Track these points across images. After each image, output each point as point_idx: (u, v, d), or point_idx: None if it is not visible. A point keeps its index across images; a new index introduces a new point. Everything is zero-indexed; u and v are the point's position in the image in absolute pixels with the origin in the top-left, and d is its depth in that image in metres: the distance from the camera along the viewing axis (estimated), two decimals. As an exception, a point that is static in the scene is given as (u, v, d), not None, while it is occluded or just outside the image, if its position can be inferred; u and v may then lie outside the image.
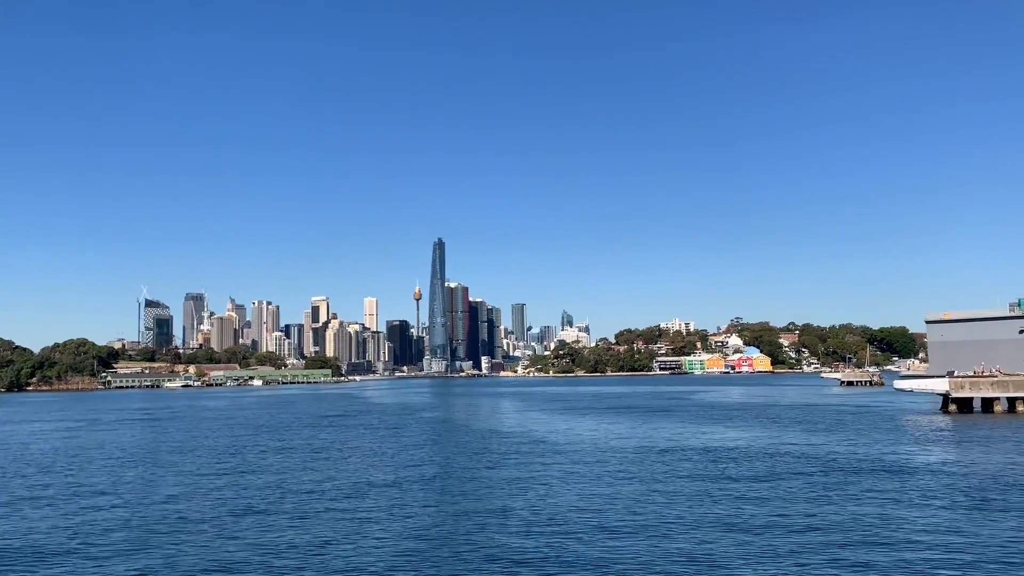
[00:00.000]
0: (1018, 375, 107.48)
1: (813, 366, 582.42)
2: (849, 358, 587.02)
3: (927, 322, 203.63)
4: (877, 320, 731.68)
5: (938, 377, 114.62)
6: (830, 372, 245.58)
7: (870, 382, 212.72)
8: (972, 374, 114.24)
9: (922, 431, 79.97)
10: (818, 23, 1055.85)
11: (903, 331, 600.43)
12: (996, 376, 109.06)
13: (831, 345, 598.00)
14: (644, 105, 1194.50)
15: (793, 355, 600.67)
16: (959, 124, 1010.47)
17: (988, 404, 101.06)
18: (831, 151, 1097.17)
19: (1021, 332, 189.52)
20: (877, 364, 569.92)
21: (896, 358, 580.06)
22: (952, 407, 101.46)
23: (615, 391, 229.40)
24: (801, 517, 36.90)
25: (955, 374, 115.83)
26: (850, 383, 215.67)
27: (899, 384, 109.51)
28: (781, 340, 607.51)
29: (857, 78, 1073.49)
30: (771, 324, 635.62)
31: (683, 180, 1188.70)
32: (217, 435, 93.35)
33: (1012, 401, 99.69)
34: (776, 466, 55.05)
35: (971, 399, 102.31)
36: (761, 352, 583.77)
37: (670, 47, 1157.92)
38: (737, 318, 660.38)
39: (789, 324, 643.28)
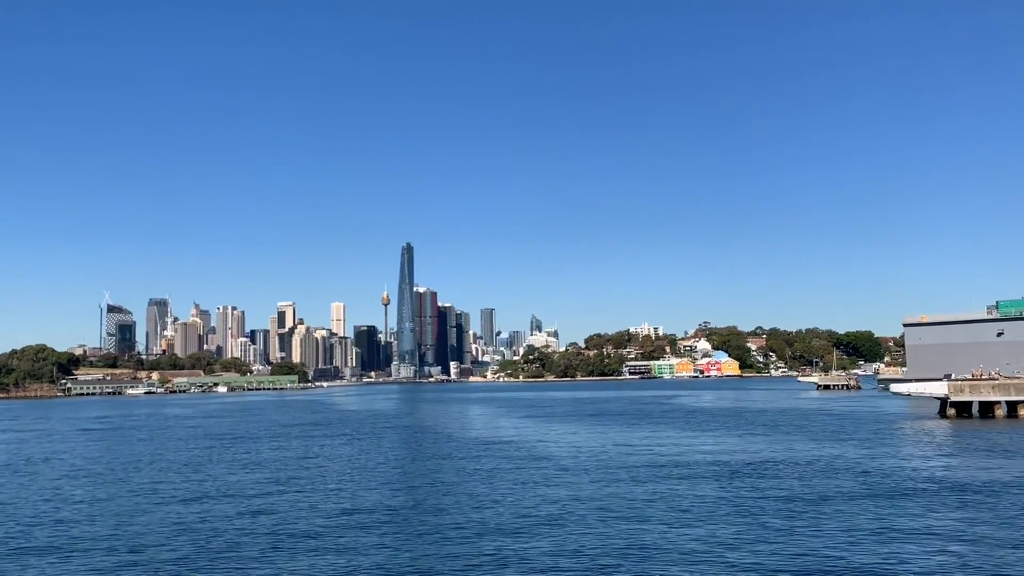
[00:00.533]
0: (1019, 377, 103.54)
1: (780, 370, 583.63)
2: (816, 362, 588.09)
3: (904, 325, 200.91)
4: (842, 325, 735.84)
5: (934, 380, 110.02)
6: (807, 376, 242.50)
7: (847, 386, 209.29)
8: (970, 377, 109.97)
9: (939, 439, 74.73)
10: (788, 35, 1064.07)
11: (868, 335, 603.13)
12: (996, 379, 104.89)
13: (798, 349, 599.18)
14: (613, 111, 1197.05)
15: (761, 359, 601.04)
16: (927, 133, 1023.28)
17: (988, 408, 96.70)
18: (797, 160, 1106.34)
19: (1000, 335, 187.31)
20: (844, 368, 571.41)
21: (862, 362, 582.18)
22: (951, 411, 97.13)
23: (592, 396, 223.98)
24: (896, 562, 29.19)
25: (952, 377, 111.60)
26: (827, 387, 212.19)
27: (896, 388, 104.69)
28: (749, 344, 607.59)
29: (828, 90, 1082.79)
30: (739, 328, 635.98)
31: (649, 186, 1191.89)
32: (178, 447, 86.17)
33: (1013, 405, 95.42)
34: (810, 481, 49.00)
35: (970, 403, 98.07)
36: (729, 356, 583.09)
37: (644, 52, 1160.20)
38: (705, 323, 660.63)
39: (756, 328, 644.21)
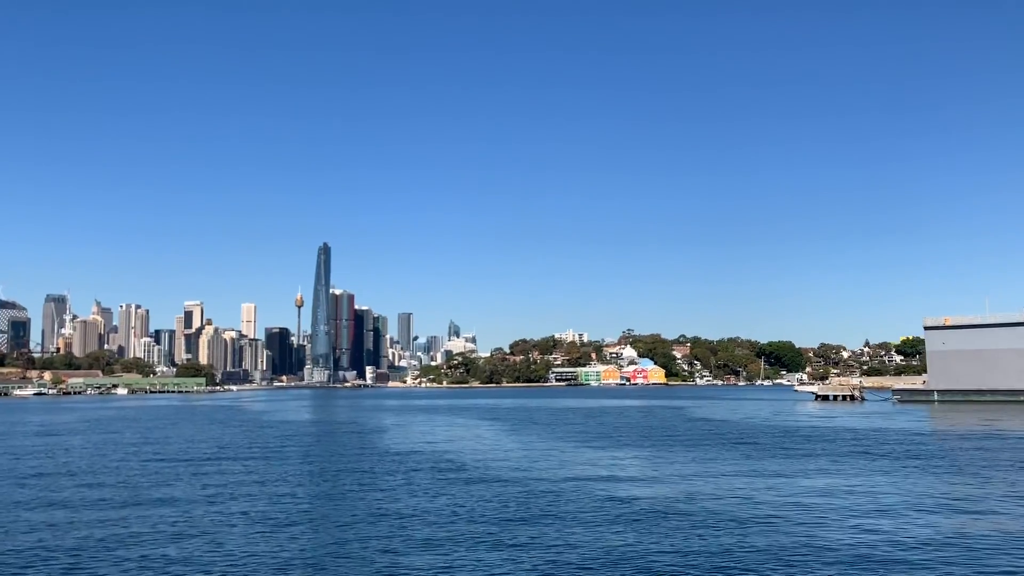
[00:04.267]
0: None
1: (706, 379, 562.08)
2: (739, 371, 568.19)
3: (925, 328, 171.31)
4: (762, 335, 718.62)
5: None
6: (804, 385, 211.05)
7: (851, 397, 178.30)
8: None
9: None
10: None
11: (790, 345, 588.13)
12: None
13: (722, 358, 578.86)
14: (535, 116, 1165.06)
15: (686, 367, 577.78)
16: (847, 150, 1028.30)
17: None
18: (716, 169, 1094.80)
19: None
20: (768, 378, 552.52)
21: (784, 372, 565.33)
22: None
23: (541, 405, 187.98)
24: None
25: None
26: (825, 398, 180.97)
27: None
28: (674, 352, 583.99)
29: (769, 98, 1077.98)
30: (662, 336, 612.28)
31: (566, 192, 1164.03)
32: (34, 488, 45.53)
33: None
34: None
35: None
36: (655, 364, 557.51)
37: (575, 51, 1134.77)
38: (629, 330, 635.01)
39: (680, 336, 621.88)
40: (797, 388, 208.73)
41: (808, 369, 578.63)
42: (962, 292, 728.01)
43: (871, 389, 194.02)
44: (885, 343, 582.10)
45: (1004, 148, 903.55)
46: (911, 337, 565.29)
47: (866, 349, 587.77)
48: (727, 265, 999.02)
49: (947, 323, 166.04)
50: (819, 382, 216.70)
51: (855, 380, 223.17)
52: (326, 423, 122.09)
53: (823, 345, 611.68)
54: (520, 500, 40.91)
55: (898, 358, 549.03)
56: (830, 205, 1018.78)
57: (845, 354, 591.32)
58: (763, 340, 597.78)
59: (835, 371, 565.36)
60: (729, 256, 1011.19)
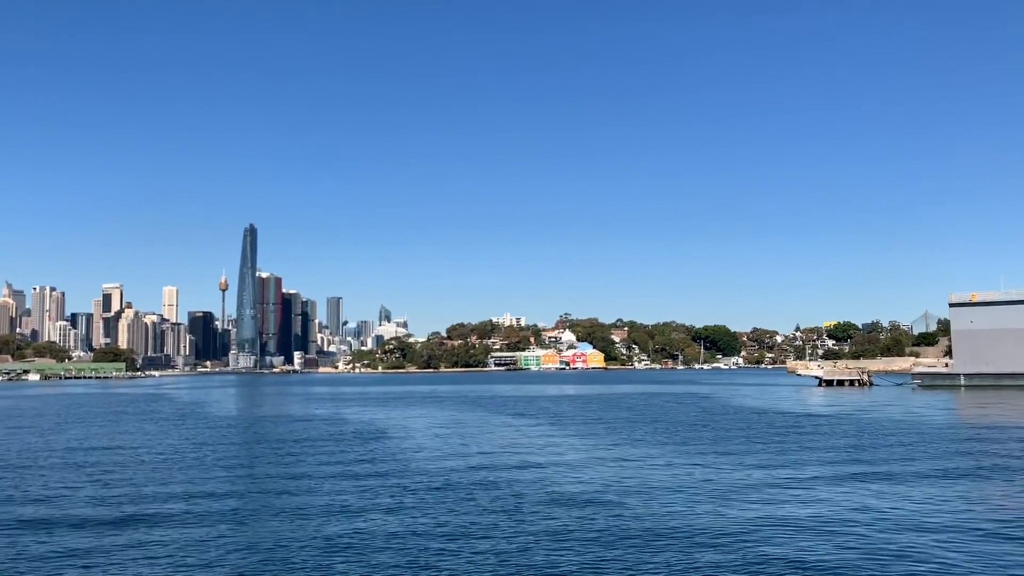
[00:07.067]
0: None
1: (644, 363, 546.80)
2: (677, 355, 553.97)
3: (951, 305, 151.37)
4: (695, 319, 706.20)
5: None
6: (807, 369, 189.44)
7: (858, 381, 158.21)
8: None
9: None
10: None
11: (725, 329, 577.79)
12: None
13: (659, 342, 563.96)
14: (467, 91, 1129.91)
15: (624, 352, 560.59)
16: (782, 134, 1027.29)
17: None
18: (651, 153, 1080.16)
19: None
20: (706, 361, 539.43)
21: (720, 355, 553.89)
22: None
23: (522, 394, 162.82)
24: None
25: None
26: (830, 383, 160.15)
27: None
28: (612, 336, 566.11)
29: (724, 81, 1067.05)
30: (600, 320, 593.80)
31: (498, 175, 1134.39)
32: None
33: None
34: None
35: None
36: (594, 348, 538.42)
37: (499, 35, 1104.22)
38: (566, 314, 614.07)
39: (617, 320, 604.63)
40: (800, 372, 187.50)
41: (743, 353, 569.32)
42: (902, 279, 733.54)
43: (877, 373, 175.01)
44: (816, 327, 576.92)
45: (936, 137, 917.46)
46: (840, 322, 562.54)
47: (798, 334, 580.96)
48: (661, 249, 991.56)
49: (974, 299, 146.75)
50: (823, 364, 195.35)
51: (858, 364, 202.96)
52: (276, 419, 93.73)
53: (756, 329, 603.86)
54: None
55: (830, 342, 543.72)
56: (762, 191, 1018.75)
57: (779, 338, 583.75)
58: (698, 324, 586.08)
59: (770, 355, 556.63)
60: (663, 240, 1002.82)
